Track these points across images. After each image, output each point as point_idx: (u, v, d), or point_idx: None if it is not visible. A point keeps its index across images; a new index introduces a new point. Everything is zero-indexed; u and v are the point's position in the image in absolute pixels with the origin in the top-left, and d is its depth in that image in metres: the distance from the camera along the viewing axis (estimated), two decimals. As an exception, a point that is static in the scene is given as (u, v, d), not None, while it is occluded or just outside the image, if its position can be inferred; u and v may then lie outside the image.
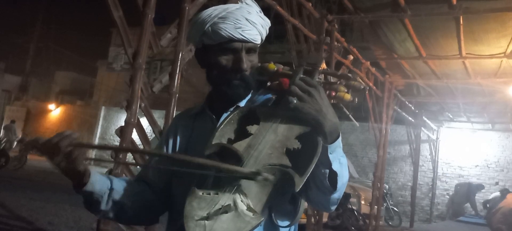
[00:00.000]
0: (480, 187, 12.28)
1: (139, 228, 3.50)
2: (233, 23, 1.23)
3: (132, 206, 1.28)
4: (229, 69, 1.26)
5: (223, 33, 1.24)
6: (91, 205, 1.23)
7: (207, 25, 1.26)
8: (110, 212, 1.25)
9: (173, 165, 1.08)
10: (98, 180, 1.20)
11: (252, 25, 1.25)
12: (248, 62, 1.27)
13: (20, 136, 13.62)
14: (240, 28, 1.23)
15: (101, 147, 1.35)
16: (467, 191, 12.16)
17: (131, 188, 1.29)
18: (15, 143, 13.46)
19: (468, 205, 12.52)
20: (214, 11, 1.27)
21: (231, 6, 1.27)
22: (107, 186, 1.23)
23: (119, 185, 1.26)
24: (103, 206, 1.23)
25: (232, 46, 1.25)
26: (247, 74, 1.27)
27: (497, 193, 10.66)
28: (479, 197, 12.15)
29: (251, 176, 0.97)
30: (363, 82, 1.17)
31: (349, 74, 1.16)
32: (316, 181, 1.12)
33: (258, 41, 1.29)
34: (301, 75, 1.14)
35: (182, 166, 1.11)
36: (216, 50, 1.27)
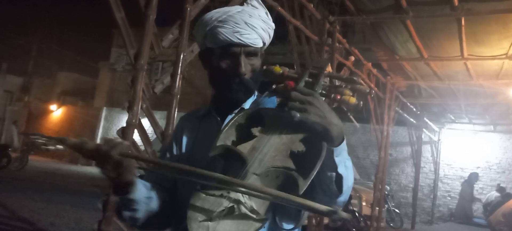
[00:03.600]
0: (476, 175, 12.24)
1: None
2: (231, 27, 1.23)
3: (158, 212, 1.26)
4: (228, 73, 1.26)
5: (221, 37, 1.24)
6: (126, 211, 1.20)
7: (208, 28, 1.26)
8: (140, 219, 1.23)
9: (196, 177, 1.05)
10: (140, 189, 1.19)
11: (251, 29, 1.25)
12: (248, 66, 1.27)
13: (15, 139, 13.61)
14: (238, 32, 1.23)
15: (149, 160, 1.33)
16: (469, 187, 12.14)
17: (160, 194, 1.28)
18: (15, 143, 13.47)
19: (475, 207, 12.51)
20: (215, 14, 1.27)
21: (233, 9, 1.27)
22: (145, 195, 1.21)
23: (154, 194, 1.25)
24: (139, 214, 1.21)
25: (231, 50, 1.25)
26: (247, 78, 1.27)
27: (496, 194, 10.65)
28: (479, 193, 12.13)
29: (326, 213, 0.92)
30: (368, 87, 1.16)
31: (355, 78, 1.16)
32: (322, 185, 1.12)
33: (259, 45, 1.28)
34: (307, 78, 1.14)
35: (206, 180, 1.05)
36: (216, 53, 1.28)
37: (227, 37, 1.23)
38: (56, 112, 22.04)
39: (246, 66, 1.26)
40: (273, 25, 1.33)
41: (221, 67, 1.27)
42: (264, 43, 1.31)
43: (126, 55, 3.40)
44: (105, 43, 22.41)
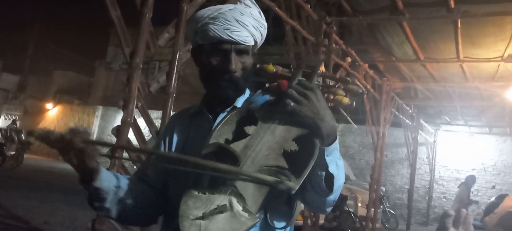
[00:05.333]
0: (473, 178, 12.26)
1: (134, 228, 3.49)
2: (222, 24, 1.24)
3: (134, 206, 1.27)
4: (217, 69, 1.27)
5: (211, 34, 1.25)
6: (96, 201, 1.22)
7: (199, 25, 1.27)
8: (113, 211, 1.24)
9: (175, 164, 1.07)
10: (106, 177, 1.20)
11: (242, 26, 1.25)
12: (239, 63, 1.27)
13: (16, 138, 13.50)
14: (228, 29, 1.24)
15: (111, 145, 1.34)
16: (467, 189, 12.15)
17: (135, 188, 1.28)
18: (14, 144, 13.37)
19: (471, 209, 12.52)
20: (207, 11, 1.28)
21: (224, 7, 1.28)
22: (114, 184, 1.22)
23: (125, 184, 1.26)
24: (107, 204, 1.21)
25: (221, 47, 1.26)
26: (237, 75, 1.27)
27: (493, 199, 10.69)
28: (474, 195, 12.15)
29: (272, 183, 0.95)
30: (361, 86, 1.16)
31: (348, 78, 1.16)
32: (313, 183, 1.12)
33: (250, 43, 1.28)
34: (300, 78, 1.14)
35: (185, 166, 1.09)
36: (207, 50, 1.28)
37: (217, 33, 1.24)
38: (52, 111, 21.98)
39: (236, 64, 1.26)
40: (265, 24, 1.32)
41: (211, 64, 1.28)
42: (255, 42, 1.30)
43: (123, 54, 3.39)
44: (102, 42, 22.39)
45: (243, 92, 1.32)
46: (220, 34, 1.24)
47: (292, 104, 1.04)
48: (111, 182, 1.21)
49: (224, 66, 1.26)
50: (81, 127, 1.12)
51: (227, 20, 1.24)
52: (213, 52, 1.28)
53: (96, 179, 1.16)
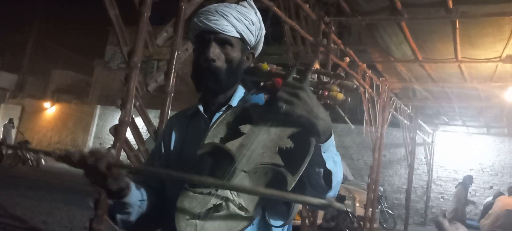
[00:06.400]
0: (470, 178, 12.26)
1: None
2: (204, 15, 1.28)
3: (147, 214, 1.26)
4: (199, 60, 1.28)
5: (195, 26, 1.29)
6: (119, 214, 1.20)
7: (190, 22, 1.33)
8: (133, 221, 1.23)
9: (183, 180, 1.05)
10: (134, 192, 1.19)
11: (220, 16, 1.26)
12: (221, 55, 1.28)
13: (13, 136, 13.46)
14: (207, 18, 1.26)
15: (135, 169, 1.33)
16: (465, 190, 12.16)
17: (151, 196, 1.28)
18: (12, 142, 13.34)
19: (468, 209, 12.54)
20: (200, 9, 1.33)
21: (215, 4, 1.31)
22: (139, 198, 1.22)
23: (146, 195, 1.25)
24: (132, 217, 1.21)
25: (202, 37, 1.28)
26: (216, 65, 1.26)
27: (490, 198, 10.69)
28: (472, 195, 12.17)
29: (321, 206, 0.93)
30: (356, 82, 1.16)
31: (342, 74, 1.16)
32: (311, 181, 1.12)
33: (231, 33, 1.27)
34: (294, 75, 1.14)
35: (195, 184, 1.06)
36: (194, 44, 1.32)
37: (199, 24, 1.28)
38: (50, 110, 21.92)
39: (215, 52, 1.26)
40: (254, 19, 1.32)
41: (195, 56, 1.31)
42: (241, 36, 1.29)
43: (121, 53, 3.38)
44: (100, 41, 22.34)
45: (227, 85, 1.31)
46: (200, 24, 1.27)
47: (285, 106, 1.04)
48: (136, 196, 1.21)
49: (203, 55, 1.27)
50: (103, 149, 1.09)
51: (209, 12, 1.28)
52: (197, 44, 1.31)
53: (127, 195, 1.15)
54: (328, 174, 1.11)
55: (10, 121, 15.90)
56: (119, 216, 1.20)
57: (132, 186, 1.18)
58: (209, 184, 1.00)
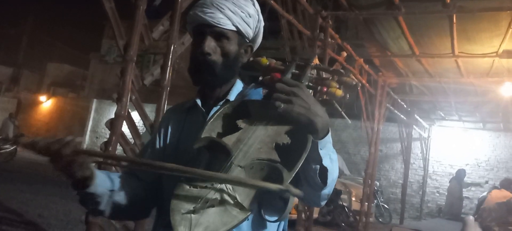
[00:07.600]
0: (463, 172, 12.34)
1: (129, 222, 3.48)
2: (199, 8, 1.26)
3: (126, 203, 1.26)
4: (195, 53, 1.27)
5: (191, 19, 1.28)
6: (89, 204, 1.20)
7: (187, 15, 1.31)
8: (106, 212, 1.23)
9: (169, 172, 1.05)
10: (101, 182, 1.18)
11: (216, 8, 1.24)
12: (218, 48, 1.26)
13: (11, 132, 13.35)
14: (202, 11, 1.24)
15: (101, 155, 1.32)
16: (458, 183, 12.22)
17: (127, 186, 1.27)
18: (11, 136, 13.24)
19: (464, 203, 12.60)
20: (197, 2, 1.31)
21: None
22: (108, 187, 1.21)
23: (118, 184, 1.24)
24: (101, 206, 1.21)
25: (198, 30, 1.27)
26: (212, 58, 1.25)
27: (485, 193, 10.74)
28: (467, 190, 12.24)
29: (279, 192, 0.94)
30: (355, 79, 1.15)
31: (341, 70, 1.15)
32: (307, 177, 1.11)
33: (226, 26, 1.25)
34: (293, 70, 1.13)
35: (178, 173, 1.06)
36: (192, 37, 1.32)
37: (195, 18, 1.26)
38: (46, 104, 21.83)
39: (210, 45, 1.24)
40: (251, 12, 1.29)
41: (192, 50, 1.29)
42: (238, 29, 1.27)
43: (117, 46, 3.36)
44: (96, 35, 22.22)
45: (224, 79, 1.29)
46: (196, 17, 1.26)
47: (282, 106, 1.02)
48: (105, 185, 1.20)
49: (199, 49, 1.25)
50: (69, 136, 1.09)
51: (204, 5, 1.26)
52: (194, 38, 1.29)
53: (90, 185, 1.14)
54: (324, 171, 1.10)
55: (11, 115, 15.64)
56: (89, 206, 1.21)
57: (99, 175, 1.17)
58: (186, 174, 0.99)
